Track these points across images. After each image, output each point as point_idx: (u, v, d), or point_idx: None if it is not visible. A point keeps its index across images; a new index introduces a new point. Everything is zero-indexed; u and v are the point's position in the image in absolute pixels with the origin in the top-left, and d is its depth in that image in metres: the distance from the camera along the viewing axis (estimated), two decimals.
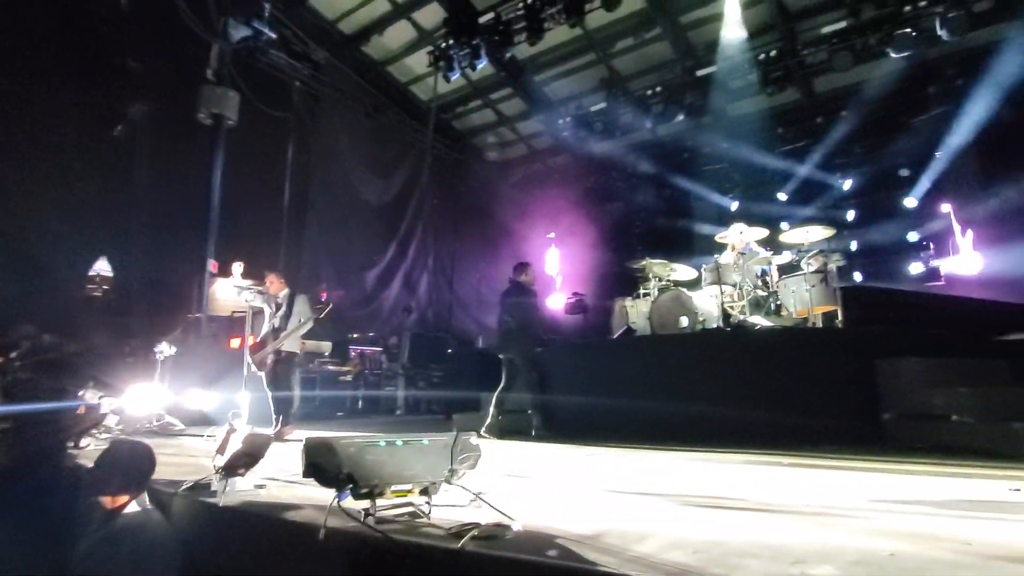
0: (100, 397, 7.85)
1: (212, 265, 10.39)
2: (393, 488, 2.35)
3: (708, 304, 7.07)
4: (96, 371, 10.72)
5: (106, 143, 10.25)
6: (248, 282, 6.72)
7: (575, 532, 2.10)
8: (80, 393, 8.68)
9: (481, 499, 2.47)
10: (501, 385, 6.28)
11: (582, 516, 2.40)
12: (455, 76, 11.54)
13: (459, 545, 1.92)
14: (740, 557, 1.77)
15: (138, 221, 10.58)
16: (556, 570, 1.74)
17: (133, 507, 2.84)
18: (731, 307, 6.90)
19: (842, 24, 10.31)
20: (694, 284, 7.68)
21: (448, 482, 2.48)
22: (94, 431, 6.04)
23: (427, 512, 2.36)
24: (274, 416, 6.26)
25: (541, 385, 6.55)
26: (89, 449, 5.26)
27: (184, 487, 3.15)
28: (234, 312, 11.42)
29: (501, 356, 6.43)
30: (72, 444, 5.37)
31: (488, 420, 6.06)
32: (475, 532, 2.01)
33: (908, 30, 9.53)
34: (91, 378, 10.11)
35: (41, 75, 9.83)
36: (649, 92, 12.20)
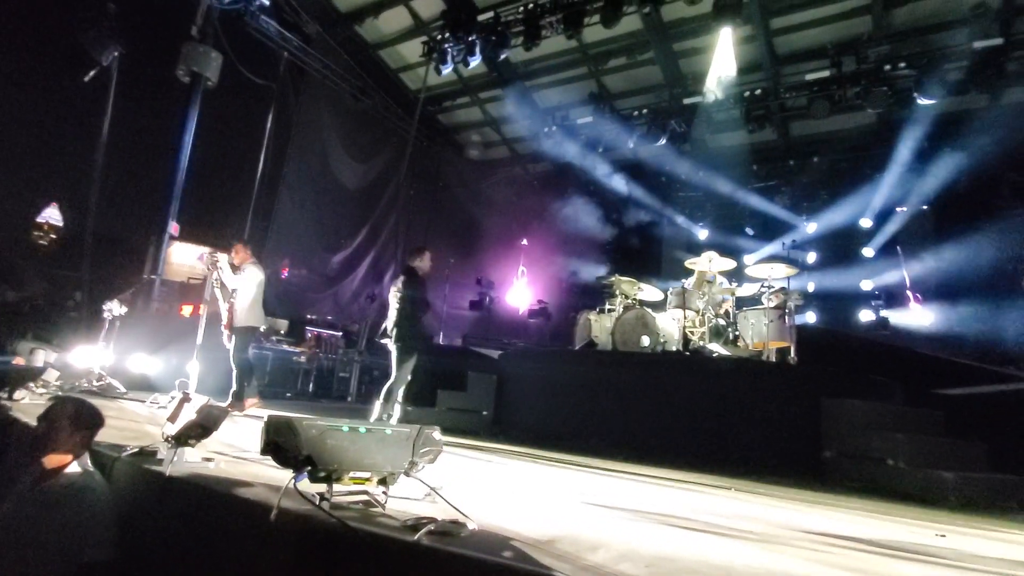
0: (32, 350, 7.50)
1: (173, 228, 10.04)
2: (351, 475, 2.33)
3: (670, 326, 7.23)
4: (34, 322, 10.24)
5: (74, 86, 9.78)
6: (208, 250, 6.57)
7: (529, 536, 2.12)
8: (15, 343, 8.28)
9: (439, 495, 2.47)
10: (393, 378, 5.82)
11: (535, 521, 2.42)
12: (447, 69, 11.50)
13: (415, 538, 1.92)
14: (690, 574, 1.83)
15: (98, 172, 10.12)
16: (511, 572, 1.75)
17: (74, 468, 2.72)
18: (692, 332, 7.06)
19: (824, 73, 10.71)
20: (659, 306, 7.83)
21: (407, 474, 2.47)
22: (31, 384, 5.75)
23: (383, 502, 2.35)
24: (234, 388, 6.19)
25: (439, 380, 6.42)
26: (24, 403, 5.02)
27: (128, 452, 3.05)
28: (189, 278, 11.09)
29: (387, 344, 5.94)
30: (5, 396, 5.12)
31: (375, 414, 5.67)
32: (431, 527, 2.01)
33: (885, 88, 9.98)
34: (28, 329, 9.66)
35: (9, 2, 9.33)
36: (635, 113, 12.41)
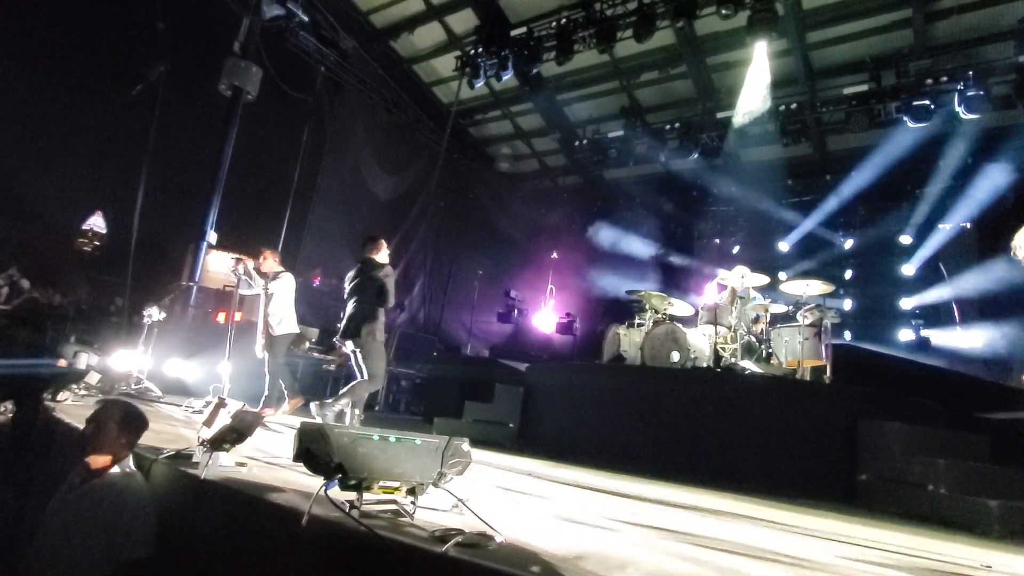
0: (76, 352, 7.76)
1: (212, 236, 10.31)
2: (381, 484, 2.34)
3: (701, 342, 7.12)
4: (78, 326, 10.60)
5: (122, 99, 10.17)
6: (235, 256, 6.74)
7: (555, 552, 2.10)
8: (60, 347, 8.59)
9: (466, 507, 2.47)
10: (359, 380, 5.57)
11: (560, 536, 2.41)
12: (479, 83, 11.63)
13: (443, 550, 1.92)
14: None
15: (142, 182, 10.48)
16: None
17: (116, 468, 2.81)
18: (723, 348, 6.94)
19: (863, 87, 10.50)
20: (689, 321, 7.74)
21: (435, 485, 2.48)
22: (73, 386, 5.95)
23: (411, 512, 2.36)
24: (266, 393, 6.33)
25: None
26: (67, 404, 5.20)
27: (165, 454, 3.12)
28: (225, 286, 11.37)
29: (347, 348, 5.63)
30: (49, 396, 5.30)
31: (336, 409, 5.32)
32: (459, 539, 2.00)
33: (927, 102, 9.72)
34: (72, 332, 10.00)
35: (64, 21, 9.74)
36: (667, 127, 12.32)
